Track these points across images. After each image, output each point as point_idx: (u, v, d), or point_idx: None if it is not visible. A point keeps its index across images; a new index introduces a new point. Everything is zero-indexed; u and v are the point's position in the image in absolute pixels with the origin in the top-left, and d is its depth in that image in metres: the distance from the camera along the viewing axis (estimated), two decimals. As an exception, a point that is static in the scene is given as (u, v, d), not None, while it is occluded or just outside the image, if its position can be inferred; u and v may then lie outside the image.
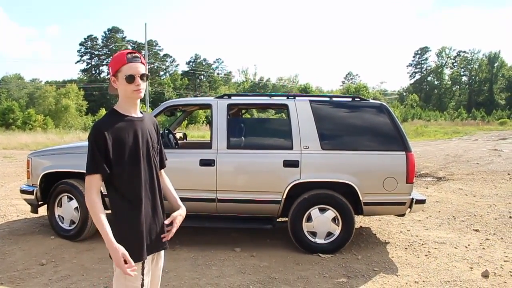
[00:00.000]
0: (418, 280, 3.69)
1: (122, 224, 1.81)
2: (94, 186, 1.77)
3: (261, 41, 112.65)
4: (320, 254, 4.24)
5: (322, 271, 3.85)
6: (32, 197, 4.76)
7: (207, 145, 4.58)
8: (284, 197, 4.29)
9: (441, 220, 5.76)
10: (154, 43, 62.41)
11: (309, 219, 4.30)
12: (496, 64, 65.54)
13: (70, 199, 4.63)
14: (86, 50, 62.14)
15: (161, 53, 65.09)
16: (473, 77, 67.94)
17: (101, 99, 51.67)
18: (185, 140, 6.24)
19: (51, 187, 4.70)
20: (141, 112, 1.96)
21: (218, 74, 68.41)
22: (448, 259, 4.20)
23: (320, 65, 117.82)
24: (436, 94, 69.81)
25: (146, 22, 58.66)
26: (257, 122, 7.61)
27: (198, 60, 66.10)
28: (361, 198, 4.24)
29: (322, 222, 4.28)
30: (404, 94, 72.40)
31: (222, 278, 3.68)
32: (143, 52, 35.26)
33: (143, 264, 1.85)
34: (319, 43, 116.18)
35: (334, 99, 4.70)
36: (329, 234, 4.32)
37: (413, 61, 72.90)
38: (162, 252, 2.03)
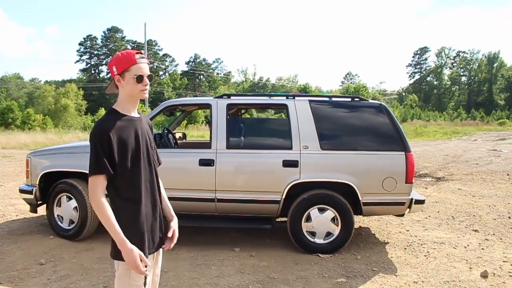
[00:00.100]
0: (417, 280, 3.70)
1: (124, 223, 1.82)
2: (100, 186, 1.76)
3: (261, 41, 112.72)
4: (319, 254, 4.24)
5: (321, 271, 3.85)
6: (31, 196, 4.76)
7: (206, 145, 4.59)
8: (284, 197, 4.29)
9: (440, 220, 5.76)
10: (153, 43, 62.39)
11: (309, 219, 4.30)
12: (495, 65, 65.54)
13: (69, 198, 4.62)
14: (86, 50, 62.07)
15: (161, 53, 65.12)
16: (473, 77, 67.96)
17: (101, 98, 51.60)
18: (184, 140, 6.24)
19: (50, 186, 4.70)
20: (138, 112, 1.97)
21: (217, 74, 68.39)
22: (447, 259, 4.21)
23: (320, 65, 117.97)
24: (435, 94, 69.84)
25: (146, 21, 58.47)
26: (256, 122, 7.61)
27: (198, 60, 66.06)
28: (360, 198, 4.24)
29: (321, 222, 4.28)
30: (404, 94, 72.40)
31: (221, 278, 3.68)
32: (142, 51, 35.21)
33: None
34: (318, 43, 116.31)
35: (334, 99, 4.70)
36: (328, 234, 4.32)
37: (412, 61, 72.93)
38: (161, 250, 2.04)
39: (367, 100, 4.71)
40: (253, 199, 4.34)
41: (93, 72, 62.73)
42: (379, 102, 4.69)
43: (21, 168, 10.11)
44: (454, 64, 70.77)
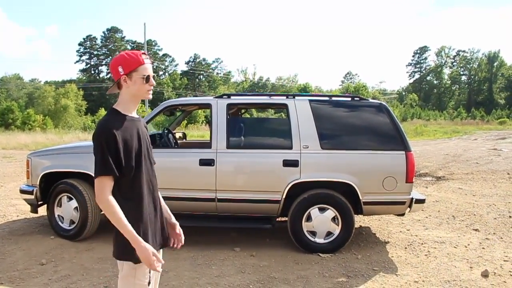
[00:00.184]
0: (418, 279, 3.70)
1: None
2: (107, 187, 1.76)
3: (260, 41, 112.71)
4: (320, 254, 4.25)
5: (321, 271, 3.86)
6: (32, 197, 4.76)
7: (206, 145, 4.59)
8: (284, 196, 4.29)
9: (440, 220, 5.76)
10: (153, 43, 62.39)
11: (309, 218, 4.30)
12: (495, 64, 65.56)
13: (70, 199, 4.62)
14: (85, 50, 62.12)
15: (160, 53, 65.08)
16: (473, 77, 67.97)
17: (100, 99, 51.63)
18: (184, 139, 6.24)
19: (51, 187, 4.70)
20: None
21: (217, 73, 68.39)
22: (448, 259, 4.21)
23: (320, 64, 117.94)
24: (435, 93, 69.85)
25: (145, 21, 58.51)
26: (256, 121, 7.60)
27: (197, 60, 66.08)
28: (360, 198, 4.24)
29: (321, 222, 4.28)
30: (404, 93, 72.38)
31: (222, 278, 3.69)
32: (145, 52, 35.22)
33: None
34: (318, 42, 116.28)
35: (334, 98, 4.70)
36: (329, 233, 4.32)
37: (412, 60, 72.96)
38: (161, 250, 2.04)
39: (367, 100, 4.70)
40: (253, 199, 4.34)
41: (93, 72, 62.77)
42: (379, 101, 4.69)
43: (22, 169, 10.11)
44: (454, 63, 70.81)
